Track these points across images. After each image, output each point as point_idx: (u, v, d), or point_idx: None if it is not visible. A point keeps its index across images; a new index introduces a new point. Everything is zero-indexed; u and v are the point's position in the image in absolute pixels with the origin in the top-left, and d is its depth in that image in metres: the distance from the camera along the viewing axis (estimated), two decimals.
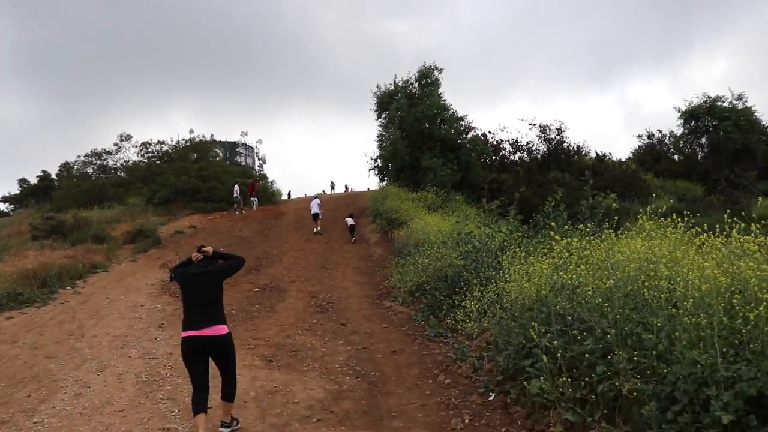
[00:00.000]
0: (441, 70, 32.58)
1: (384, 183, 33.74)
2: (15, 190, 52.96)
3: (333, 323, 13.27)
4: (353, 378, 9.32)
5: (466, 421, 7.20)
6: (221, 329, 6.66)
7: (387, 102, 33.41)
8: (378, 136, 33.75)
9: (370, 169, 34.05)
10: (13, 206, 51.46)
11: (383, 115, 34.09)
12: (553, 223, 10.87)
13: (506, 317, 8.67)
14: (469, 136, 32.35)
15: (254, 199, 36.11)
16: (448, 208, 25.20)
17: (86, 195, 36.95)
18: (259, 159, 58.77)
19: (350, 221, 26.35)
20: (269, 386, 8.91)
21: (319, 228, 28.06)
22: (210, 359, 6.72)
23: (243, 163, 54.83)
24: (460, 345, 10.44)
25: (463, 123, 32.12)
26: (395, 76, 34.59)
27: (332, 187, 57.31)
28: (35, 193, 48.20)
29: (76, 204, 35.09)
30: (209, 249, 7.07)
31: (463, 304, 10.83)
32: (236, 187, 34.33)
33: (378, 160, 33.39)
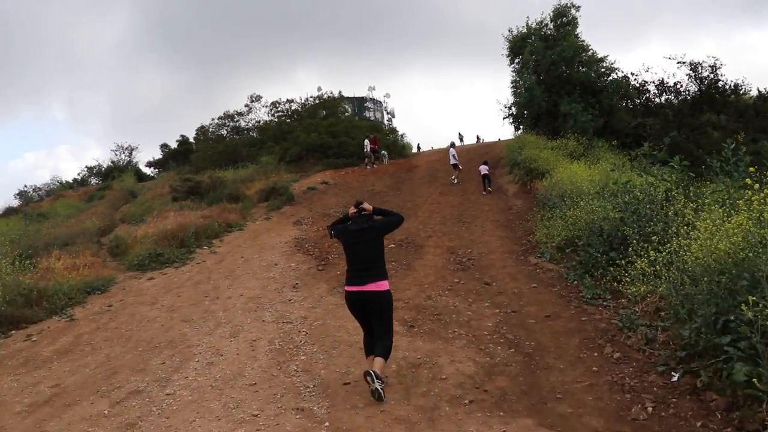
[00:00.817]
0: (578, 7, 30.13)
1: (519, 131, 31.99)
2: (158, 155, 55.16)
3: (476, 282, 12.22)
4: (506, 348, 8.23)
5: (649, 409, 5.94)
6: (382, 285, 6.69)
7: (520, 46, 31.31)
8: (512, 83, 31.89)
9: (504, 118, 32.35)
10: (157, 170, 53.35)
11: (516, 61, 32.09)
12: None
13: (688, 281, 7.33)
14: (610, 78, 29.94)
15: (384, 153, 35.30)
16: (592, 156, 23.40)
17: (221, 156, 37.45)
18: (387, 113, 58.01)
19: (484, 169, 24.82)
20: (412, 357, 8.00)
21: (455, 179, 27.08)
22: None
23: (372, 118, 54.11)
24: (625, 311, 9.11)
25: (603, 65, 29.72)
26: (527, 17, 32.56)
27: (461, 139, 55.77)
28: (176, 157, 49.64)
29: (212, 165, 35.66)
30: (368, 206, 7.02)
31: (624, 263, 9.57)
32: (366, 142, 33.59)
33: (512, 107, 31.66)
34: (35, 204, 44.36)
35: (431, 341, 8.66)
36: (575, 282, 11.47)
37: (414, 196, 24.46)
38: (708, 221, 7.23)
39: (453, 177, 27.47)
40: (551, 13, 30.57)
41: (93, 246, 18.89)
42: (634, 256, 9.80)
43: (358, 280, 6.67)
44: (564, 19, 30.26)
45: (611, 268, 10.78)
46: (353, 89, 56.75)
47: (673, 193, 11.25)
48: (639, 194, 11.68)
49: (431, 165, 32.89)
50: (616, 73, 30.28)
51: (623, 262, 9.93)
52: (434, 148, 47.69)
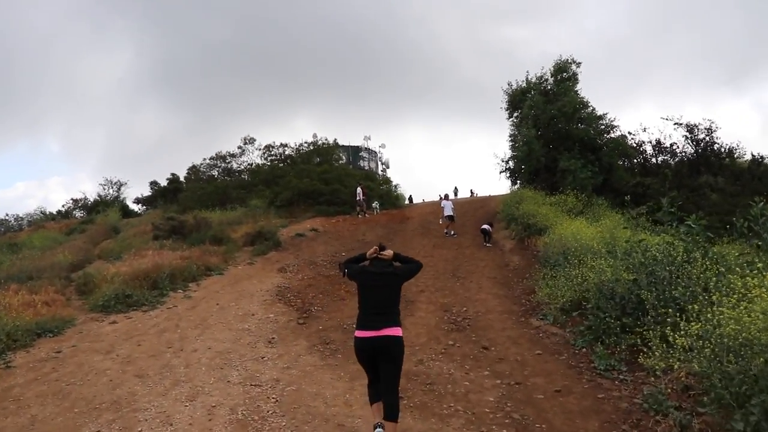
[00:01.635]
0: (579, 64, 29.43)
1: (516, 186, 30.83)
2: (148, 192, 53.82)
3: (473, 345, 10.84)
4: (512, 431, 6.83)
5: None
6: (397, 331, 6.31)
7: (519, 100, 30.49)
8: (510, 137, 30.98)
9: (501, 171, 31.31)
10: (144, 207, 51.95)
11: (515, 115, 31.23)
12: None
13: (731, 359, 6.02)
14: (610, 136, 28.98)
15: (376, 203, 34.17)
16: (591, 214, 22.27)
17: (210, 197, 36.15)
18: (382, 164, 57.04)
19: (486, 227, 23.82)
20: None
21: (453, 232, 25.87)
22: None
23: (366, 168, 53.10)
24: (650, 389, 7.73)
25: (602, 122, 28.84)
26: (527, 72, 31.91)
27: (455, 193, 54.76)
28: (165, 195, 48.33)
29: (201, 205, 34.35)
30: (389, 252, 6.74)
31: (642, 331, 8.32)
32: (359, 190, 32.44)
33: (510, 161, 30.58)
34: (13, 234, 42.75)
35: (423, 418, 7.26)
36: (584, 349, 10.24)
37: (406, 248, 23.07)
38: (741, 287, 5.96)
39: (448, 229, 26.26)
40: (552, 68, 29.78)
41: (59, 282, 17.35)
42: (653, 324, 8.61)
43: (372, 324, 6.26)
44: (564, 75, 29.45)
45: (626, 336, 9.55)
46: (349, 138, 55.90)
47: (694, 254, 10.03)
48: (657, 254, 10.35)
49: (424, 217, 31.62)
50: (615, 131, 29.40)
51: (640, 330, 8.92)
52: (425, 200, 46.71)
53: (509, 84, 31.50)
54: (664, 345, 7.68)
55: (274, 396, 7.99)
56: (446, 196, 27.91)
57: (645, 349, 8.67)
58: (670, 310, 8.78)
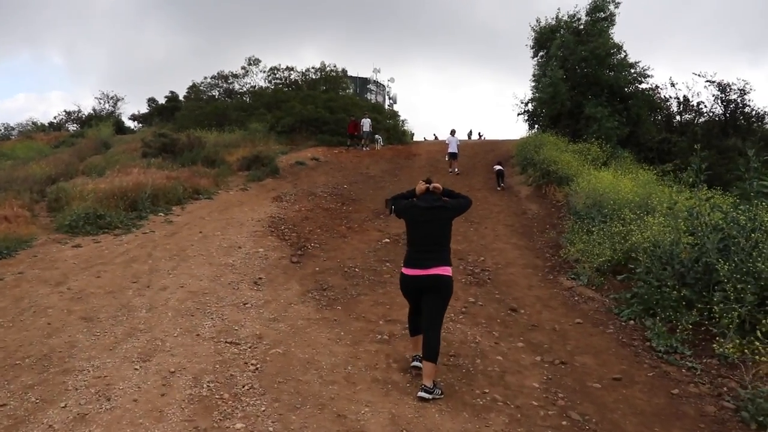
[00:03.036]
0: (618, 3, 26.65)
1: (534, 131, 28.52)
2: (145, 109, 51.38)
3: (498, 305, 9.01)
4: None
5: None
6: (447, 270, 5.82)
7: (547, 39, 27.98)
8: (534, 77, 28.41)
9: (519, 114, 28.97)
10: (140, 125, 49.53)
11: (540, 54, 28.78)
12: None
13: None
14: (642, 86, 26.66)
15: (378, 137, 31.91)
16: (616, 167, 20.22)
17: (208, 117, 34.03)
18: (390, 98, 54.74)
19: (498, 167, 22.19)
20: None
21: (456, 169, 24.39)
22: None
23: (374, 101, 50.69)
24: (747, 391, 5.87)
25: (634, 70, 26.46)
26: (558, 9, 29.16)
27: (469, 136, 52.51)
28: (162, 113, 46.01)
29: (198, 125, 32.16)
30: (439, 186, 6.22)
31: (718, 308, 7.00)
32: (365, 121, 30.31)
33: (530, 104, 28.28)
34: (3, 143, 40.52)
35: (453, 411, 5.37)
36: (631, 321, 8.44)
37: (413, 184, 20.73)
38: None
39: (452, 167, 24.71)
40: (588, 6, 27.09)
41: (28, 196, 15.40)
42: (726, 302, 7.13)
43: (421, 262, 5.87)
44: (601, 14, 26.81)
45: (686, 311, 7.70)
46: (357, 70, 53.15)
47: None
48: (741, 218, 8.36)
49: (432, 155, 29.51)
50: (647, 81, 26.99)
51: (705, 305, 7.49)
52: (427, 138, 44.65)
53: (537, 20, 28.89)
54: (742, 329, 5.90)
55: (253, 361, 6.06)
56: (453, 132, 25.73)
57: (714, 330, 6.89)
58: (749, 286, 6.93)
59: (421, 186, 6.18)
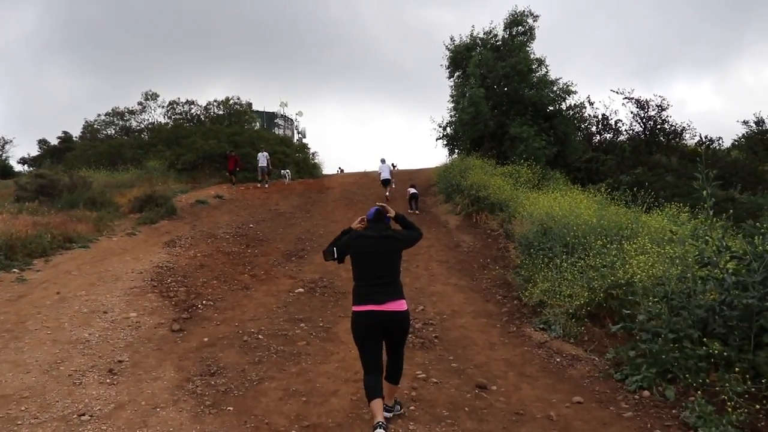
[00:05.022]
0: (537, 17, 25.02)
1: (454, 156, 26.31)
2: (36, 151, 46.82)
3: (459, 380, 6.44)
4: None
5: None
6: (402, 304, 5.18)
7: (463, 57, 25.99)
8: (452, 98, 26.43)
9: (437, 138, 26.83)
10: (30, 168, 44.99)
11: (457, 75, 26.78)
12: None
13: None
14: (566, 102, 24.87)
15: (287, 171, 28.73)
16: (548, 189, 18.08)
17: (102, 156, 30.49)
18: (298, 132, 52.01)
19: (412, 190, 20.58)
20: None
21: (387, 193, 22.82)
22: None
23: (281, 135, 47.79)
24: None
25: (557, 87, 24.62)
26: (473, 26, 27.18)
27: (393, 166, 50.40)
28: (54, 154, 41.75)
29: (91, 166, 28.60)
30: (391, 211, 5.60)
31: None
32: (261, 155, 26.90)
33: (449, 127, 26.08)
34: None
35: None
36: (645, 391, 5.91)
37: (328, 221, 18.37)
38: None
39: (387, 193, 22.77)
40: (505, 20, 25.19)
41: None
42: None
43: (374, 297, 5.07)
44: (519, 29, 24.93)
45: (727, 374, 5.38)
46: (264, 105, 50.18)
47: None
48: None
49: (347, 187, 26.87)
50: (571, 98, 25.16)
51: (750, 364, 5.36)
52: (341, 169, 42.01)
53: (452, 39, 26.87)
54: None
55: None
56: (383, 160, 23.61)
57: None
58: None
59: (356, 223, 5.59)
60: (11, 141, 48.49)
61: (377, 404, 4.90)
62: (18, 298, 9.20)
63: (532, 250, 10.83)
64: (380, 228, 5.42)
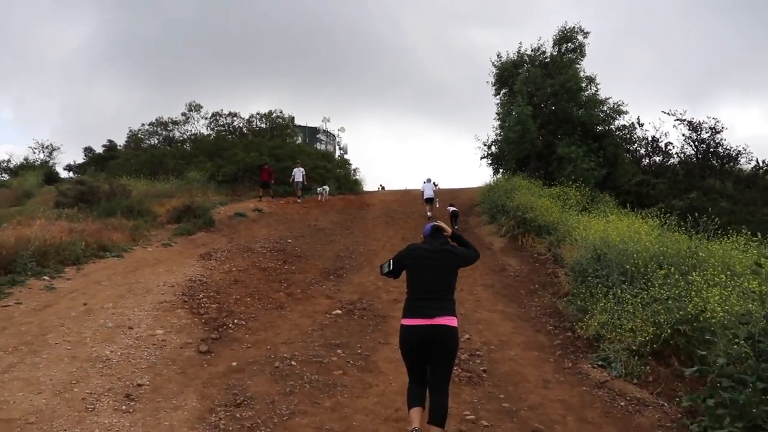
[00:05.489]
0: (587, 34, 24.35)
1: (498, 175, 25.53)
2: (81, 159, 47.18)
3: (512, 423, 5.72)
4: None
5: None
6: (452, 320, 4.90)
7: (510, 74, 25.36)
8: (498, 115, 25.77)
9: (482, 157, 26.09)
10: (75, 174, 45.30)
11: (503, 92, 26.09)
12: None
13: None
14: (616, 123, 23.95)
15: (324, 188, 27.66)
16: (597, 212, 17.24)
17: (144, 165, 30.44)
18: (340, 148, 51.69)
19: (452, 209, 20.39)
20: None
21: (430, 213, 22.02)
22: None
23: (323, 150, 47.51)
24: None
25: (606, 106, 23.71)
26: (520, 43, 26.45)
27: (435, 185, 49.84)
28: (98, 162, 41.99)
29: (132, 174, 28.54)
30: (448, 229, 5.41)
31: None
32: (297, 170, 26.38)
33: (494, 146, 25.37)
34: None
35: None
36: None
37: (368, 239, 17.77)
38: None
39: (428, 212, 22.16)
40: (554, 37, 24.46)
41: None
42: None
43: (424, 311, 4.87)
44: (569, 45, 24.17)
45: None
46: (306, 120, 50.01)
47: None
48: None
49: (387, 204, 26.24)
50: (622, 118, 24.22)
51: None
52: (383, 187, 41.34)
53: (498, 55, 26.19)
54: None
55: None
56: (428, 180, 23.17)
57: None
58: None
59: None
60: (59, 148, 48.83)
61: (416, 413, 4.80)
62: (44, 307, 8.74)
63: (586, 277, 10.06)
64: (438, 243, 5.24)
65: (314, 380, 6.57)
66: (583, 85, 23.72)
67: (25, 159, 45.78)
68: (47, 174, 38.17)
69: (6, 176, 44.12)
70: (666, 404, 6.20)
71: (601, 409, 6.12)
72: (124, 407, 5.44)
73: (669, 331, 7.11)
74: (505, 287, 12.25)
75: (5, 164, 46.42)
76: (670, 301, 7.49)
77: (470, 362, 7.51)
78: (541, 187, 20.04)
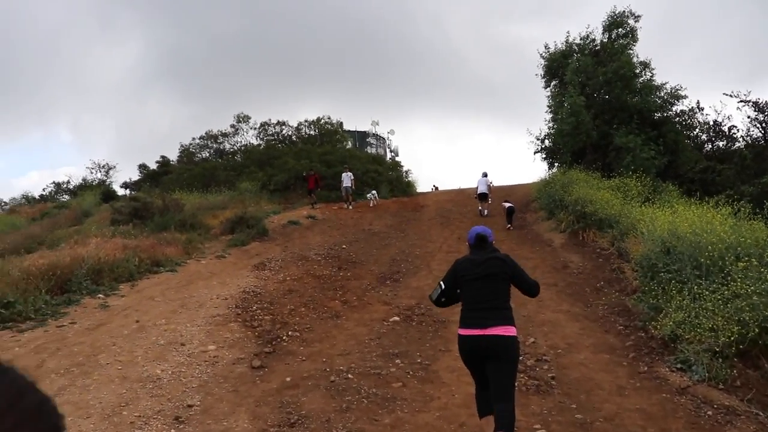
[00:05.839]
0: (638, 17, 23.48)
1: (554, 170, 24.88)
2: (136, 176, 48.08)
3: None
4: None
5: None
6: (509, 330, 4.68)
7: (559, 65, 24.78)
8: (549, 108, 25.13)
9: (535, 152, 25.46)
10: (131, 192, 46.16)
11: (553, 83, 25.55)
12: None
13: None
14: (675, 109, 23.04)
15: (372, 193, 26.87)
16: (660, 202, 16.50)
17: (196, 179, 30.77)
18: (391, 150, 51.31)
19: (507, 204, 19.73)
20: None
21: (486, 211, 21.94)
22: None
23: (374, 153, 47.29)
24: None
25: (663, 92, 22.82)
26: (568, 32, 25.69)
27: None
28: (153, 178, 42.69)
29: (186, 188, 28.83)
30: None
31: None
32: (345, 175, 25.77)
33: (546, 140, 24.73)
34: None
35: None
36: None
37: (424, 241, 17.38)
38: None
39: (481, 208, 22.05)
40: (603, 23, 23.67)
41: None
42: None
43: (478, 321, 4.69)
44: (620, 31, 23.34)
45: None
46: (355, 125, 49.84)
47: None
48: None
49: (442, 205, 25.79)
50: (681, 103, 23.29)
51: None
52: (436, 187, 40.84)
53: (546, 47, 25.53)
54: None
55: None
56: (484, 174, 22.53)
57: None
58: None
59: None
60: (115, 167, 49.90)
61: (486, 422, 4.72)
62: (97, 326, 8.63)
63: (656, 272, 9.48)
64: (484, 253, 5.02)
65: (372, 394, 6.22)
66: (638, 71, 22.83)
67: (83, 179, 46.90)
68: (104, 193, 38.90)
69: (66, 197, 45.23)
70: (761, 413, 5.65)
71: (685, 420, 5.60)
72: (172, 431, 5.18)
73: (756, 329, 6.54)
74: (568, 285, 11.70)
75: (65, 186, 47.61)
76: (755, 297, 6.90)
77: (537, 368, 7.06)
78: (600, 180, 19.35)
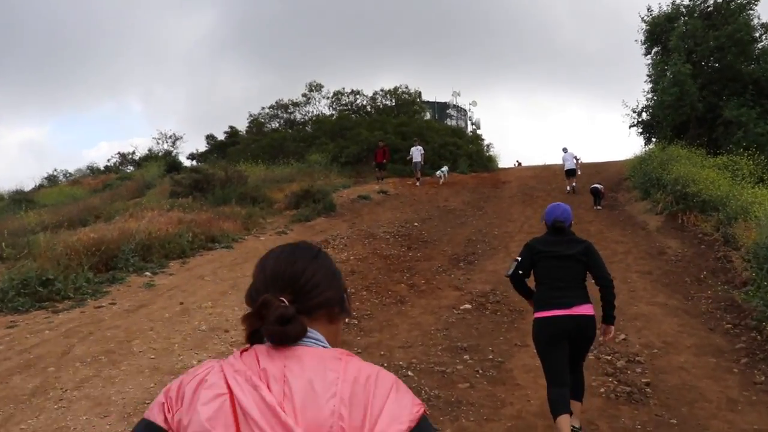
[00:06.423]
0: None
1: (651, 145, 23.60)
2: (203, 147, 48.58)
3: None
4: None
5: None
6: (590, 308, 4.63)
7: (663, 29, 23.34)
8: (649, 77, 23.85)
9: (630, 126, 24.27)
10: (197, 163, 46.68)
11: (655, 50, 24.16)
12: None
13: None
14: None
15: (444, 170, 25.72)
16: None
17: (264, 150, 30.64)
18: (472, 123, 50.30)
19: (597, 185, 18.87)
20: None
21: (573, 185, 21.45)
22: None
23: (454, 125, 46.44)
24: None
25: None
26: None
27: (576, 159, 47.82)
28: (220, 149, 43.00)
29: (253, 160, 28.74)
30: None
31: None
32: (415, 149, 24.80)
33: (643, 113, 23.50)
34: (37, 190, 38.10)
35: None
36: None
37: (503, 220, 16.68)
38: None
39: (568, 186, 21.49)
40: None
41: None
42: None
43: (559, 300, 4.57)
44: None
45: None
46: (435, 95, 48.94)
47: None
48: None
49: (524, 181, 24.93)
50: None
51: None
52: (518, 163, 39.83)
53: (649, 9, 24.14)
54: None
55: None
56: (565, 149, 21.98)
57: None
58: None
59: None
60: (182, 137, 50.58)
61: (564, 421, 4.41)
62: (137, 308, 8.35)
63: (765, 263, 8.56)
64: (563, 235, 4.87)
65: (434, 396, 5.67)
66: (757, 34, 21.33)
67: (149, 150, 47.64)
68: (169, 164, 39.37)
69: (131, 168, 46.10)
70: None
71: None
72: None
73: None
74: (665, 274, 10.83)
75: (130, 156, 48.53)
76: None
77: (628, 371, 6.35)
78: (704, 157, 18.19)
